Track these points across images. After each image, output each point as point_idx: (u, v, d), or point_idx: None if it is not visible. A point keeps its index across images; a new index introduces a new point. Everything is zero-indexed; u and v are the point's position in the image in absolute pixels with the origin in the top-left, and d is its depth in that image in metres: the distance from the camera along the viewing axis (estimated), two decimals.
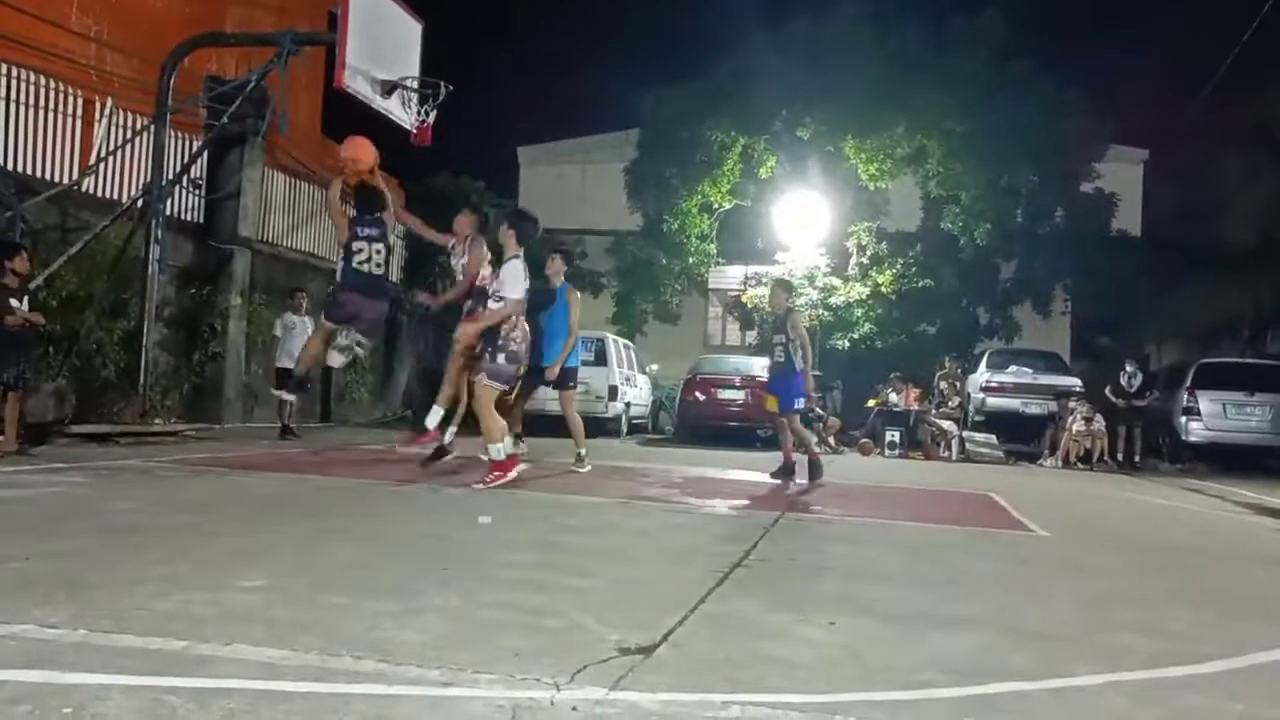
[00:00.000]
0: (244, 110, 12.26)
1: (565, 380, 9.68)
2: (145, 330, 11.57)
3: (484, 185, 21.91)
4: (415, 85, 11.76)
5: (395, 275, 19.69)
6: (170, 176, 12.12)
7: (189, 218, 13.65)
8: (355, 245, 8.24)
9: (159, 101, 11.76)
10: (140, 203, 11.78)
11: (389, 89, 11.44)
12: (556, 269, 9.94)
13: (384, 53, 11.40)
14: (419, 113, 11.95)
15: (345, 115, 14.73)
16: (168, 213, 12.16)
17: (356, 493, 7.09)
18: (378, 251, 8.31)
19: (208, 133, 12.80)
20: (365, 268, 8.23)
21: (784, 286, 10.66)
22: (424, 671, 2.70)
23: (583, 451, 9.63)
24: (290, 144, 15.23)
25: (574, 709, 2.49)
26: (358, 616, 3.28)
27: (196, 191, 13.69)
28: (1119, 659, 3.29)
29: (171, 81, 11.78)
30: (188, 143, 12.99)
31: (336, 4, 10.89)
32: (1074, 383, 17.55)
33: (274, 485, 7.20)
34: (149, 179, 11.91)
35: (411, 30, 11.98)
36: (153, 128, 11.91)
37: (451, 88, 11.68)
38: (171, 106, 11.86)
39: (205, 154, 13.19)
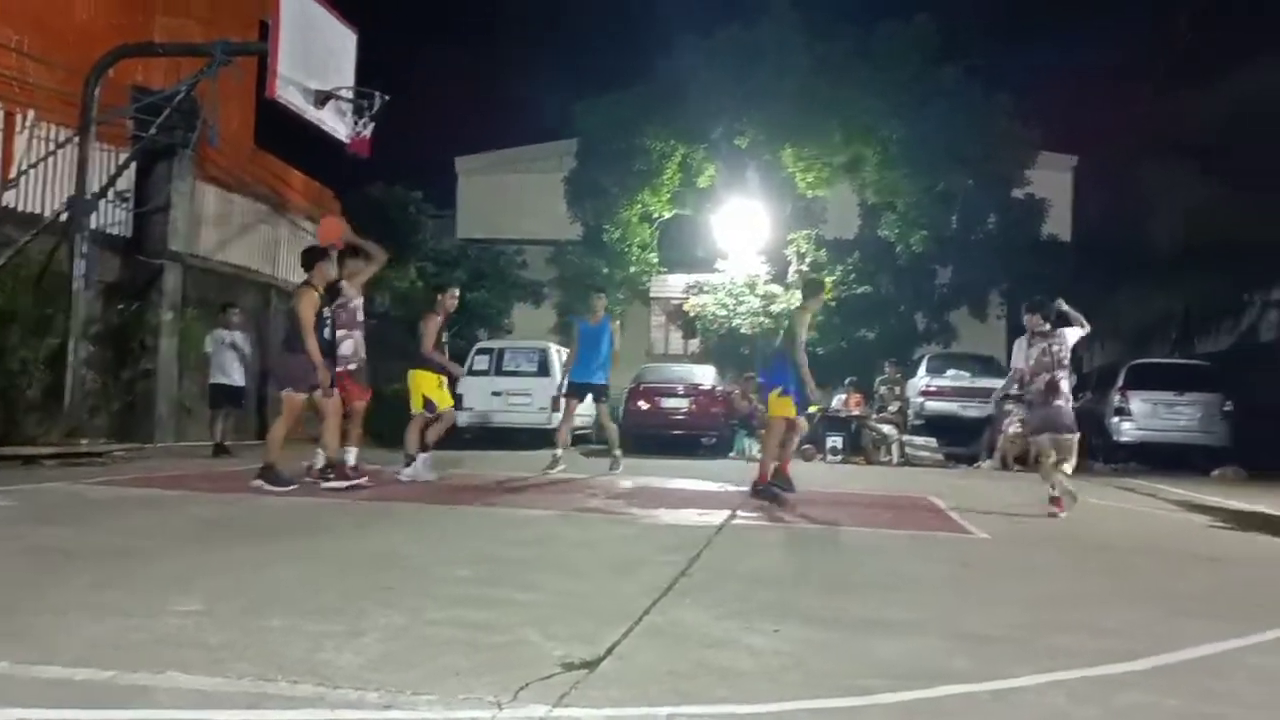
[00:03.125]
0: (172, 122, 12.03)
1: (601, 394, 11.55)
2: (71, 348, 11.28)
3: (421, 196, 21.74)
4: (350, 95, 11.63)
5: None
6: (96, 190, 11.83)
7: (116, 232, 13.34)
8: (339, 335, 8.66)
9: (83, 113, 11.48)
10: (64, 217, 11.48)
11: (323, 99, 11.30)
12: (599, 306, 11.87)
13: (317, 62, 11.26)
14: (355, 123, 11.82)
15: (279, 126, 14.56)
16: (94, 227, 11.87)
17: (295, 511, 6.95)
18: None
19: (135, 145, 12.52)
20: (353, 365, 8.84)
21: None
22: (363, 694, 2.65)
23: (618, 453, 11.57)
24: (222, 156, 14.96)
25: None
26: (296, 639, 3.21)
27: (124, 205, 13.38)
28: (1059, 659, 3.33)
29: (96, 93, 11.51)
30: (114, 155, 12.69)
31: (268, 13, 10.74)
32: (1011, 386, 17.84)
33: (208, 505, 7.04)
34: (73, 192, 11.61)
35: (345, 40, 11.86)
36: (77, 140, 11.62)
37: (387, 98, 11.58)
38: (96, 118, 11.59)
39: (132, 166, 12.90)
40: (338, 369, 8.38)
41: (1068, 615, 4.15)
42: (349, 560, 4.90)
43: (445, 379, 9.81)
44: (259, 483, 7.91)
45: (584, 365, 11.44)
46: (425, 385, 9.51)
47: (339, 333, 8.63)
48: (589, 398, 11.72)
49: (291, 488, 7.91)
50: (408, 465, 9.37)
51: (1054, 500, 8.37)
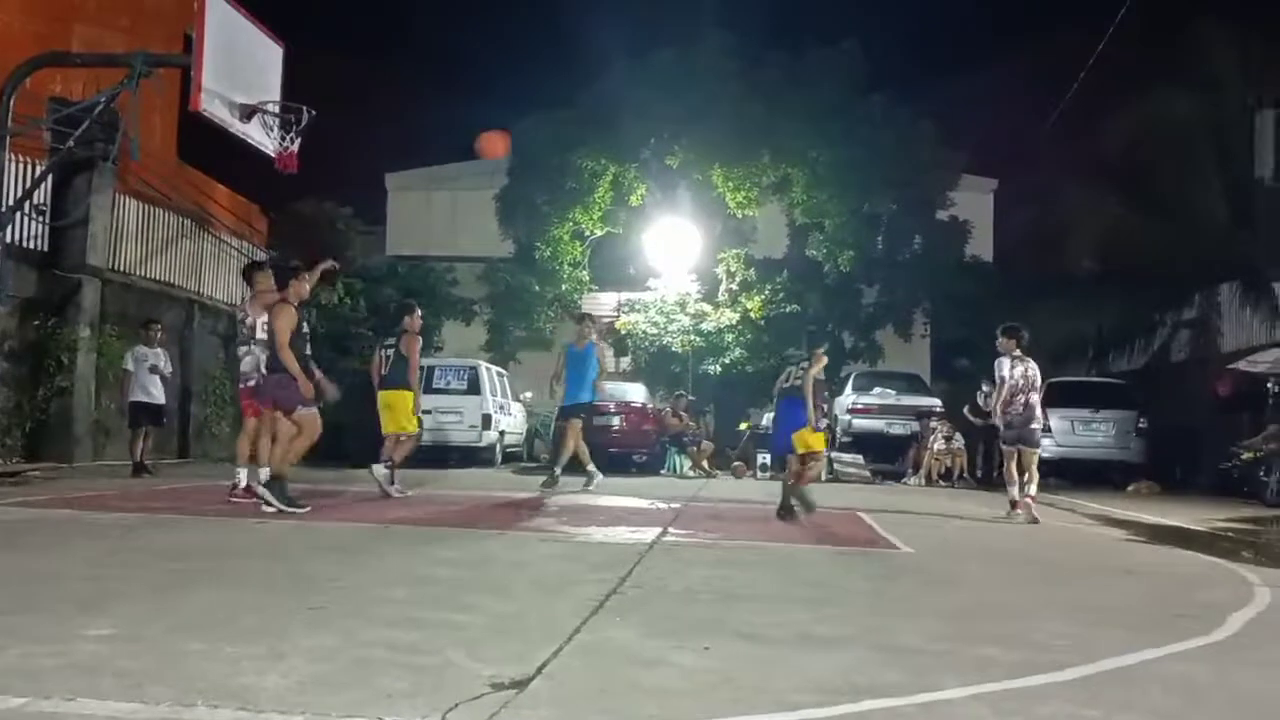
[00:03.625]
0: (92, 134, 11.71)
1: (580, 412, 11.83)
2: None
3: (350, 211, 21.47)
4: (277, 110, 11.46)
5: None
6: (11, 203, 11.47)
7: (32, 245, 12.94)
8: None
9: None
10: None
11: (249, 113, 11.12)
12: (586, 332, 12.10)
13: (243, 76, 11.08)
14: (282, 138, 11.64)
15: (204, 140, 14.29)
16: (9, 240, 11.51)
17: (217, 531, 6.79)
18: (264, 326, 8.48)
19: (52, 157, 12.17)
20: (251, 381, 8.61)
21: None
22: (286, 718, 2.59)
23: (591, 467, 11.77)
24: (144, 169, 14.61)
25: None
26: (216, 662, 3.13)
27: (40, 218, 12.99)
28: (984, 670, 3.40)
29: (11, 103, 11.18)
30: (30, 167, 12.33)
31: (192, 25, 10.54)
32: (935, 403, 18.20)
33: (126, 526, 6.83)
34: None
35: (272, 53, 11.69)
36: None
37: (314, 113, 11.43)
38: (11, 129, 11.25)
39: (49, 179, 12.53)
40: (238, 385, 8.66)
41: (991, 627, 4.24)
42: (274, 582, 4.80)
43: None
44: (264, 491, 7.86)
45: (574, 388, 11.76)
46: (408, 406, 10.03)
47: (240, 349, 8.65)
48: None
49: (305, 510, 7.72)
50: (392, 481, 9.83)
51: (1014, 504, 9.77)
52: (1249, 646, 4.09)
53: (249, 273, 9.01)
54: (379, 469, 9.79)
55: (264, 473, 8.16)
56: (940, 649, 3.76)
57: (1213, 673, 3.58)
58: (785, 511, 8.90)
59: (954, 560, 6.89)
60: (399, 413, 10.01)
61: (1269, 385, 15.54)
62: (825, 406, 9.76)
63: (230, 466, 9.22)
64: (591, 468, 11.74)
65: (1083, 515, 10.84)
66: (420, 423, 10.55)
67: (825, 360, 9.55)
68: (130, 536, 6.36)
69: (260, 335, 8.45)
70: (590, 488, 11.39)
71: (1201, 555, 7.48)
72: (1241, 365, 16.10)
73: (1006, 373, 9.84)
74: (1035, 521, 9.48)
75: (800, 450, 9.17)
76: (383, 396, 10.14)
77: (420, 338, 10.30)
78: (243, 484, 8.47)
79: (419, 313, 10.70)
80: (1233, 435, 15.54)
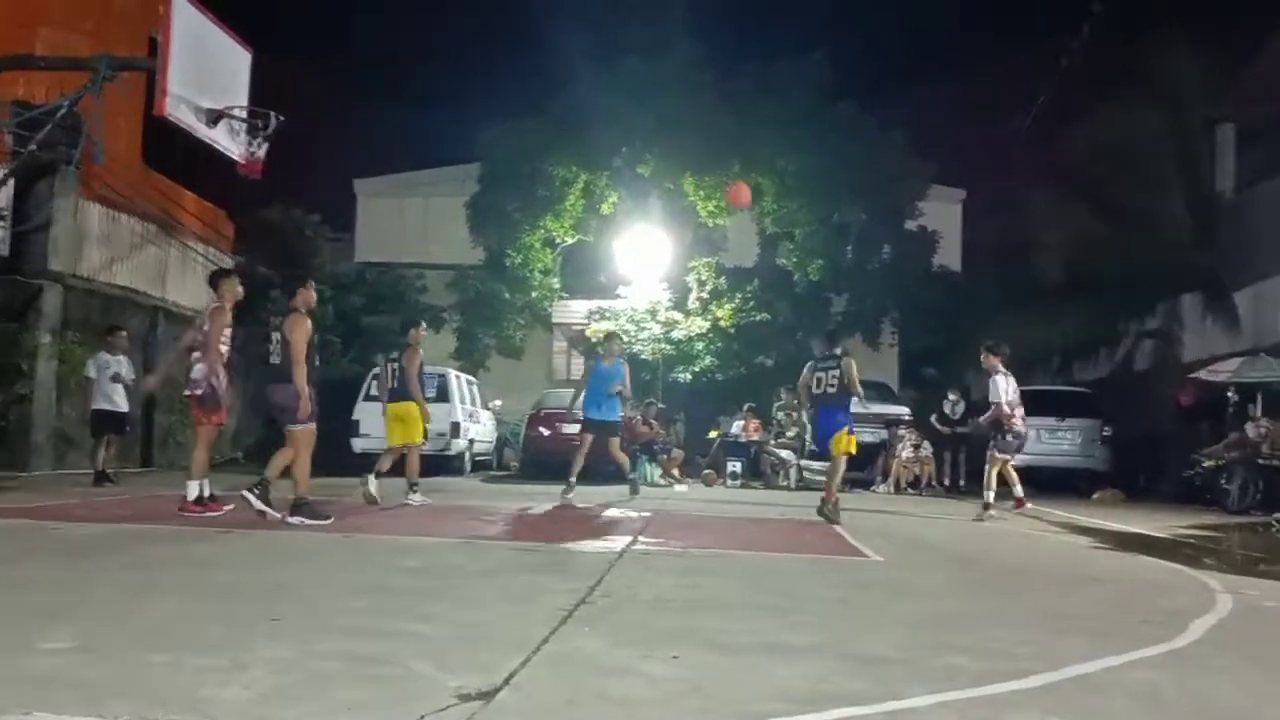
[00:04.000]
0: (55, 138, 11.57)
1: (618, 429, 12.26)
2: None
3: (319, 218, 21.33)
4: (244, 115, 11.37)
5: None
6: None
7: None
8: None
9: None
10: None
11: (215, 118, 11.02)
12: (615, 350, 12.40)
13: (210, 80, 10.98)
14: (248, 144, 11.55)
15: (170, 145, 14.14)
16: None
17: (179, 541, 6.70)
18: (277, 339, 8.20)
19: (14, 160, 12.00)
20: (272, 359, 8.27)
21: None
22: None
23: (634, 476, 12.62)
24: (108, 173, 14.45)
25: None
26: (178, 674, 3.08)
27: (1, 223, 12.81)
28: (950, 679, 3.41)
29: None
30: None
31: (158, 28, 10.44)
32: (903, 411, 18.31)
33: (86, 536, 6.73)
34: None
35: (239, 59, 11.60)
36: None
37: (282, 118, 11.35)
38: None
39: (11, 183, 12.37)
40: (186, 393, 8.48)
41: (958, 636, 4.26)
42: (236, 592, 4.73)
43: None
44: (298, 519, 7.63)
45: (595, 402, 11.96)
46: (418, 417, 10.36)
47: (193, 355, 8.36)
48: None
49: (329, 520, 7.68)
50: (414, 492, 10.24)
51: (988, 507, 10.71)
52: (1211, 653, 4.13)
53: (216, 280, 8.69)
54: (414, 498, 10.14)
55: (194, 486, 8.05)
56: (907, 657, 3.77)
57: (1176, 679, 3.61)
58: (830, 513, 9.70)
59: (922, 568, 6.93)
60: (409, 425, 10.33)
61: (1229, 394, 15.78)
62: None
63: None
64: (573, 481, 11.57)
65: (1048, 523, 10.94)
66: (426, 433, 10.71)
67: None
68: (91, 546, 6.26)
69: (225, 345, 8.40)
70: (567, 497, 11.19)
71: (1164, 562, 7.56)
72: (1203, 375, 16.35)
73: (1004, 390, 10.35)
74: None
75: (836, 452, 9.86)
76: (392, 409, 10.45)
77: (421, 351, 10.49)
78: (192, 496, 8.06)
79: (423, 326, 11.19)
80: (1195, 444, 15.77)
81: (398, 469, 10.41)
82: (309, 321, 8.00)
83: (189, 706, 2.72)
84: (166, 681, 2.99)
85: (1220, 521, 11.28)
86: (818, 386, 10.05)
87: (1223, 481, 14.15)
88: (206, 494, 8.25)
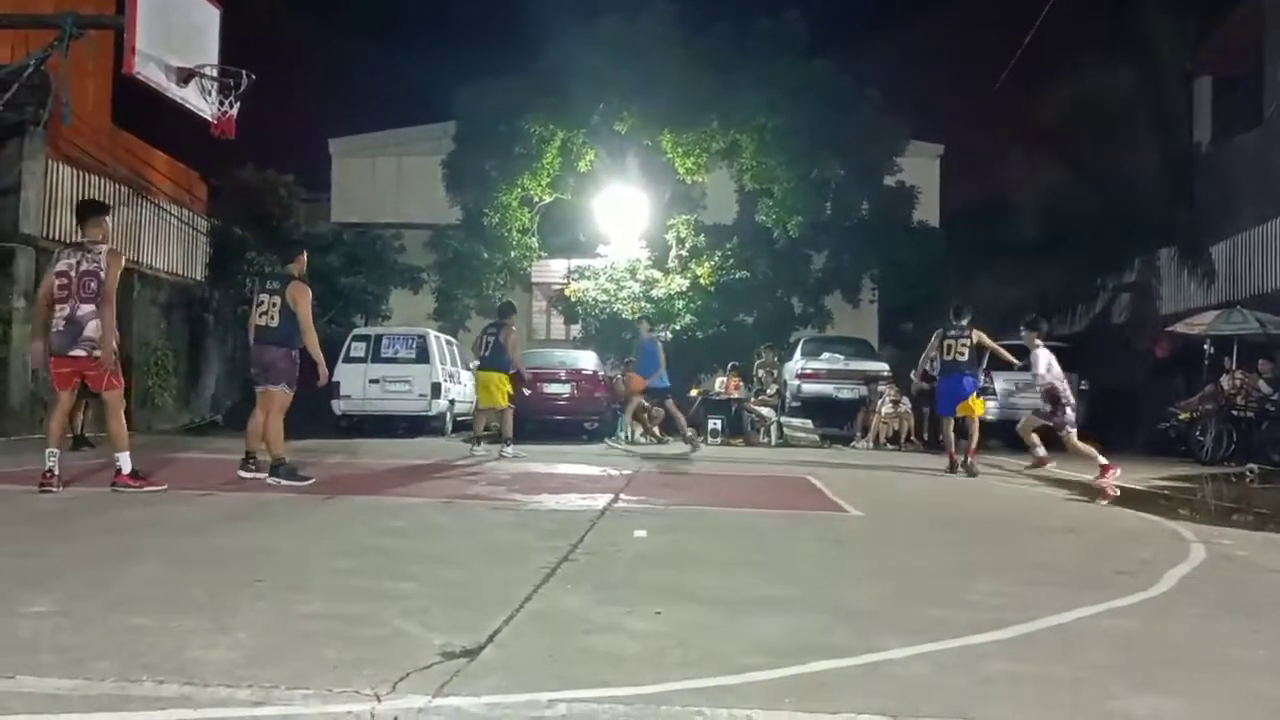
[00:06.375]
0: (21, 98, 11.36)
1: (666, 394, 14.82)
2: None
3: (293, 178, 21.10)
4: (214, 74, 11.17)
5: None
6: None
7: None
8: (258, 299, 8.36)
9: None
10: None
11: (185, 77, 10.83)
12: (646, 331, 15.11)
13: (179, 38, 10.78)
14: (220, 103, 11.36)
15: (140, 105, 13.91)
16: None
17: (158, 504, 6.68)
18: (274, 304, 8.16)
19: None
20: (262, 321, 8.18)
21: None
22: (234, 691, 2.56)
23: (690, 433, 14.46)
24: (77, 134, 14.23)
25: (396, 719, 2.42)
26: (161, 637, 3.09)
27: None
28: (927, 630, 3.46)
29: None
30: None
31: None
32: (882, 367, 18.40)
33: (65, 501, 6.70)
34: None
35: (209, 16, 11.38)
36: None
37: (254, 77, 11.16)
38: None
39: None
40: (77, 353, 7.11)
41: (936, 588, 4.31)
42: (218, 555, 4.73)
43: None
44: (276, 480, 7.73)
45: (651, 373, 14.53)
46: (502, 385, 12.07)
47: (83, 309, 7.12)
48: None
49: (310, 481, 7.80)
50: (507, 445, 11.99)
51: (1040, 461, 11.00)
52: (1183, 602, 4.20)
53: (98, 214, 7.66)
54: (508, 450, 11.84)
55: (126, 458, 7.26)
56: (886, 610, 3.82)
57: (1149, 627, 3.68)
58: (966, 471, 10.71)
59: (901, 522, 7.00)
60: (493, 390, 12.11)
61: (1205, 347, 15.93)
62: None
63: (170, 437, 8.97)
64: (692, 433, 14.44)
65: (1025, 477, 11.05)
66: (510, 397, 12.27)
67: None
68: (70, 511, 6.24)
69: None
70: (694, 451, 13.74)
71: (1140, 513, 7.67)
72: (1179, 328, 16.48)
73: (1045, 363, 10.79)
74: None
75: (966, 414, 10.91)
76: (480, 376, 12.38)
77: (515, 329, 12.38)
78: (127, 469, 7.25)
79: (515, 315, 12.98)
80: (1170, 396, 15.93)
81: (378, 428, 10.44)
82: (308, 288, 8.19)
83: (175, 669, 2.73)
84: (150, 645, 2.99)
85: (1194, 473, 11.43)
86: (948, 353, 10.86)
87: (1198, 433, 14.33)
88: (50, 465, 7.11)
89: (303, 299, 8.02)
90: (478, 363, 12.54)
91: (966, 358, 10.79)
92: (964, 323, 11.01)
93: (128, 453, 7.25)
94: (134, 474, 7.24)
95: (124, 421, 7.34)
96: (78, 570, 4.22)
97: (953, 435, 11.36)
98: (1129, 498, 8.91)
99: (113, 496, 6.99)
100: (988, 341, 11.04)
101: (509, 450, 11.88)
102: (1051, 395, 10.82)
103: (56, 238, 14.32)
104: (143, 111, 14.81)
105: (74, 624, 3.23)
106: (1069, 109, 19.38)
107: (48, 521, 5.80)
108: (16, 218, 13.06)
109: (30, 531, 5.38)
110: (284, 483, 7.70)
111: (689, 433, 14.43)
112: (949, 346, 10.88)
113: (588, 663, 2.95)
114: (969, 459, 10.85)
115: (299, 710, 2.46)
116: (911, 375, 17.33)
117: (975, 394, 10.93)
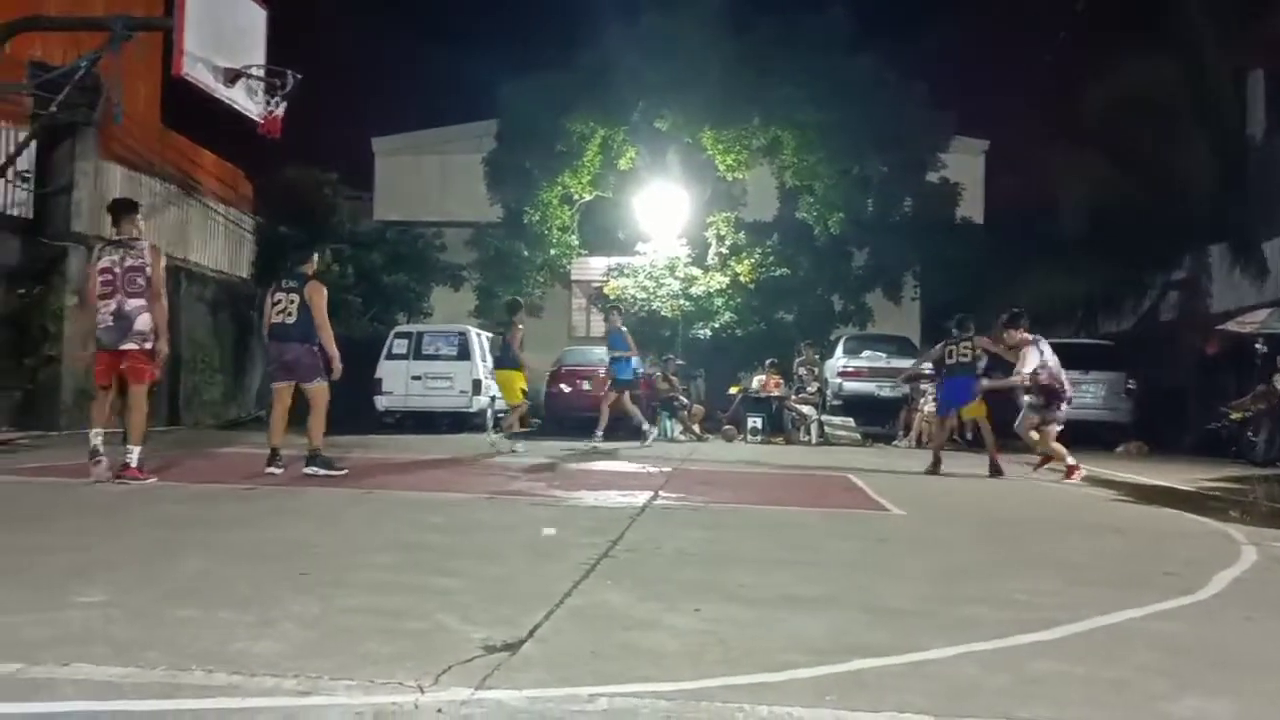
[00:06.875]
0: (74, 99, 11.55)
1: (634, 385, 14.75)
2: None
3: (337, 177, 21.32)
4: (261, 74, 11.32)
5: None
6: None
7: (17, 213, 12.83)
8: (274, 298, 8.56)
9: None
10: None
11: (233, 77, 10.97)
12: (615, 320, 14.91)
13: (227, 39, 10.92)
14: (266, 103, 11.50)
15: (188, 105, 14.11)
16: None
17: (205, 499, 6.79)
18: (292, 301, 8.41)
19: (34, 123, 12.03)
20: (280, 318, 8.42)
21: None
22: (280, 681, 2.60)
23: (645, 427, 14.43)
24: (127, 135, 14.49)
25: (439, 711, 2.44)
26: (209, 628, 3.14)
27: (24, 185, 12.87)
28: (971, 630, 3.42)
29: None
30: (12, 134, 12.19)
31: None
32: (925, 365, 18.22)
33: (115, 494, 6.83)
34: None
35: (256, 16, 11.51)
36: None
37: (300, 77, 11.29)
38: None
39: (32, 145, 12.40)
40: (128, 346, 7.40)
41: (980, 587, 4.27)
42: (262, 549, 4.80)
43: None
44: (313, 470, 8.08)
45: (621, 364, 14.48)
46: (515, 382, 12.64)
47: (131, 303, 7.43)
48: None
49: (344, 472, 8.18)
50: (516, 443, 12.29)
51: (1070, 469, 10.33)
52: (1233, 605, 4.13)
53: (122, 210, 7.88)
54: (519, 446, 12.18)
55: (136, 452, 7.47)
56: (928, 609, 3.79)
57: (1196, 629, 3.62)
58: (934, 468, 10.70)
59: (945, 522, 6.94)
60: (506, 388, 12.84)
61: (1257, 345, 15.62)
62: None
63: (217, 432, 9.13)
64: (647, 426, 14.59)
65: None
66: (524, 394, 12.84)
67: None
68: (120, 504, 6.36)
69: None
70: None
71: (1189, 514, 7.54)
72: (1230, 326, 16.17)
73: (1035, 359, 10.51)
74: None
75: (969, 417, 11.32)
76: (497, 375, 13.21)
77: (521, 327, 12.76)
78: (135, 461, 7.41)
79: (522, 313, 13.40)
80: (1221, 396, 15.64)
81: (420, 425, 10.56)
82: (325, 287, 8.54)
83: (222, 660, 2.78)
84: (197, 636, 3.05)
85: (1246, 474, 11.22)
86: (949, 358, 11.09)
87: (1249, 434, 14.05)
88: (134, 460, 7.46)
89: (319, 297, 8.34)
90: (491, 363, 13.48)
91: (969, 359, 10.93)
92: (968, 334, 11.14)
93: (140, 447, 7.48)
94: (140, 467, 7.43)
95: (145, 415, 7.63)
96: (128, 562, 4.30)
97: (944, 436, 11.85)
98: (1178, 499, 8.77)
99: (157, 489, 7.12)
100: (989, 345, 11.18)
101: (519, 445, 12.19)
102: (1048, 390, 10.58)
103: (106, 237, 14.60)
104: (191, 112, 15.05)
105: (125, 615, 3.29)
106: (1117, 103, 19.06)
107: (98, 514, 5.92)
108: (69, 217, 13.30)
109: (82, 524, 5.49)
110: (321, 472, 8.02)
111: (645, 425, 14.47)
112: (950, 352, 11.09)
113: (628, 658, 2.96)
114: (993, 459, 10.74)
115: (344, 701, 2.49)
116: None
117: (977, 399, 10.91)
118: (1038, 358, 10.56)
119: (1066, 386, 10.68)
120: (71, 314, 13.24)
